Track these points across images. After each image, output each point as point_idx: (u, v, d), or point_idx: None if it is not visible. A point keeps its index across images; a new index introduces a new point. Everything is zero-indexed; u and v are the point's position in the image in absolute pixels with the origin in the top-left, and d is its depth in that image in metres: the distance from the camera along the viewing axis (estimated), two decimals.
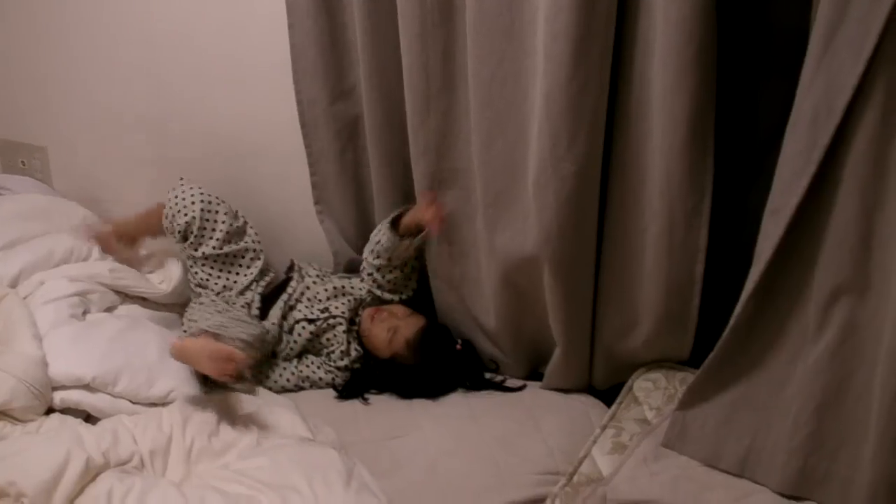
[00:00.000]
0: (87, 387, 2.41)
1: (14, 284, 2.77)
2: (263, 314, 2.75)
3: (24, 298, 2.68)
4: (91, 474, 2.07)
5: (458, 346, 2.73)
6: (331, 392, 2.67)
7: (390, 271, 2.78)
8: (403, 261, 2.78)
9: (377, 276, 2.80)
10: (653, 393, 2.43)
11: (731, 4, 2.09)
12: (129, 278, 2.88)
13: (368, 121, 2.71)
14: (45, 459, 2.05)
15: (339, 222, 3.00)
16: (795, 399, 1.99)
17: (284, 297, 2.79)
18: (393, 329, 2.70)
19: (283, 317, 2.76)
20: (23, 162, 3.59)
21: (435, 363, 2.68)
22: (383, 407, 2.59)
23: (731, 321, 2.04)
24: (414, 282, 2.88)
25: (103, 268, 2.87)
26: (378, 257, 2.75)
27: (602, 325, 2.55)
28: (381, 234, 2.73)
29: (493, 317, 2.70)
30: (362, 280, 2.87)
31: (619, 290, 2.47)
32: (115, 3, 3.10)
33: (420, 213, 2.63)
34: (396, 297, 2.84)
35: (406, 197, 2.76)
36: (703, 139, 2.14)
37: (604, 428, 2.35)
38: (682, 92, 2.06)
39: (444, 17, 2.36)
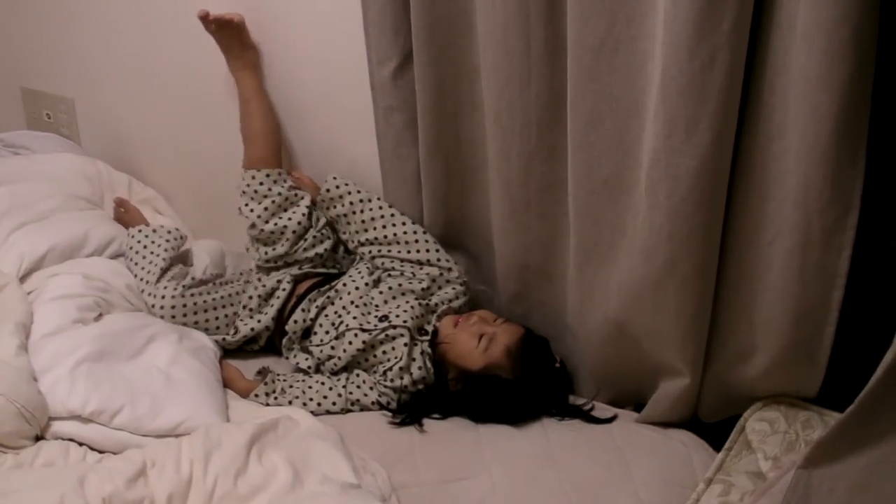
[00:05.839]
0: (80, 417, 2.13)
1: (38, 267, 2.52)
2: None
3: (29, 294, 2.41)
4: None
5: (558, 364, 2.39)
6: (382, 414, 2.32)
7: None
8: None
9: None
10: (769, 437, 2.08)
11: None
12: None
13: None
14: None
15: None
16: None
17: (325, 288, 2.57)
18: (489, 336, 2.32)
19: (323, 308, 2.52)
20: (48, 115, 3.46)
21: (535, 378, 2.33)
22: (444, 437, 2.24)
23: (882, 367, 1.64)
24: None
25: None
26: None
27: (714, 350, 2.22)
28: None
29: (583, 328, 2.39)
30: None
31: (737, 310, 2.14)
32: None
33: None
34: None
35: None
36: (853, 141, 1.78)
37: (709, 482, 2.00)
38: (829, 81, 1.71)
39: None
